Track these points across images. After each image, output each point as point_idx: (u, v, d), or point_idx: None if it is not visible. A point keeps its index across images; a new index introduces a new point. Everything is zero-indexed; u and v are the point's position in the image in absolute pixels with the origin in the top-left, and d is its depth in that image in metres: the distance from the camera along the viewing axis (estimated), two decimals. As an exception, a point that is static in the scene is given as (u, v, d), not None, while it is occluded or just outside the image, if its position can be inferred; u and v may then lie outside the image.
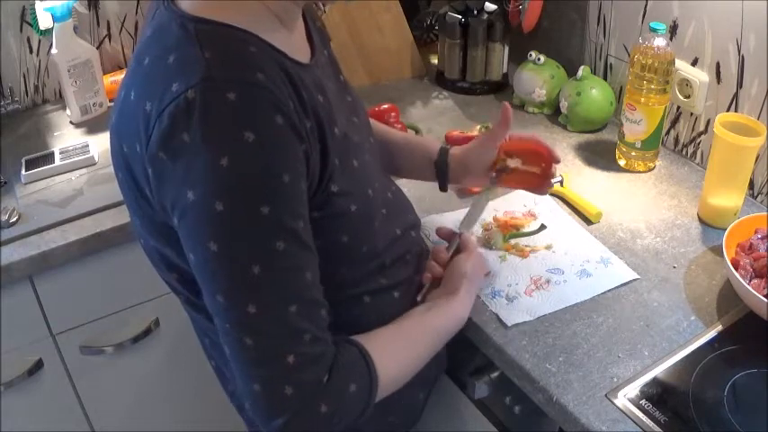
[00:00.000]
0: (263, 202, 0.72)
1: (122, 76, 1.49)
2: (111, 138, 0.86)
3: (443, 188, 1.17)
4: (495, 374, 1.10)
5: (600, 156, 1.45)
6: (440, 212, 1.29)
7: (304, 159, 0.76)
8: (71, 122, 1.62)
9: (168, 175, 0.74)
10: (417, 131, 1.51)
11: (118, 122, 0.83)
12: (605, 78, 1.57)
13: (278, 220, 0.74)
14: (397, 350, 0.91)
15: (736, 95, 1.31)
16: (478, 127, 1.47)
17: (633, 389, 0.97)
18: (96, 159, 1.48)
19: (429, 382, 1.12)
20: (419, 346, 0.94)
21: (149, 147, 0.74)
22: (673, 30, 1.38)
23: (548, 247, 1.21)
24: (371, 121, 1.17)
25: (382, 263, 0.96)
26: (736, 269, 1.06)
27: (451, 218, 1.28)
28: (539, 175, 1.12)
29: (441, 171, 1.15)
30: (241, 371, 0.76)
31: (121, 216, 1.34)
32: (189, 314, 0.98)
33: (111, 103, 1.65)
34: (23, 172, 1.43)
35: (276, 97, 0.74)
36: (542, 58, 1.56)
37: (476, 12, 1.65)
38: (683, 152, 1.45)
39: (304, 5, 0.88)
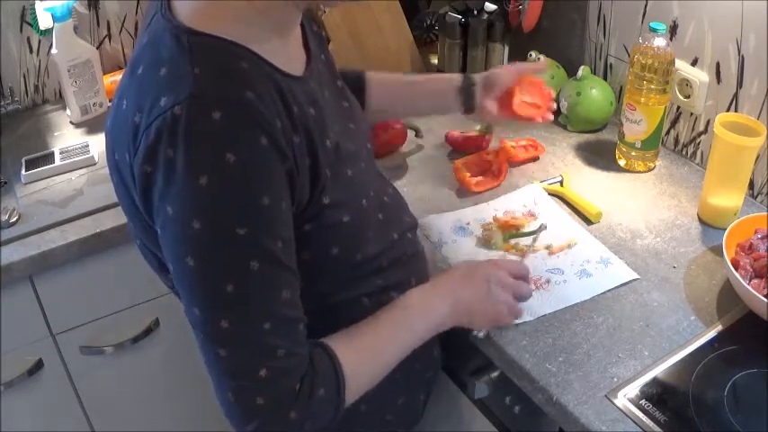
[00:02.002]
0: (240, 224, 0.74)
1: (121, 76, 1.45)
2: (105, 140, 0.86)
3: (470, 108, 1.23)
4: (495, 374, 1.10)
5: (600, 156, 1.45)
6: (439, 212, 1.29)
7: (287, 180, 0.77)
8: (71, 122, 1.63)
9: (151, 187, 0.75)
10: (417, 131, 1.51)
11: (111, 128, 0.84)
12: (605, 78, 1.57)
13: (253, 241, 0.75)
14: (367, 352, 0.90)
15: (736, 95, 1.31)
16: (478, 127, 1.47)
17: (633, 389, 0.97)
18: (96, 159, 1.48)
19: (427, 383, 1.12)
20: (390, 348, 0.93)
21: (136, 158, 0.75)
22: (673, 30, 1.38)
23: (548, 247, 1.21)
24: (385, 75, 1.21)
25: (378, 266, 0.96)
26: (736, 269, 1.06)
27: (452, 218, 1.28)
28: (539, 107, 1.28)
29: (468, 92, 1.21)
30: (215, 379, 0.79)
31: (121, 216, 1.33)
32: None
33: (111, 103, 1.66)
34: (23, 172, 1.43)
35: (263, 117, 0.74)
36: (542, 58, 1.56)
37: (476, 12, 1.65)
38: (683, 152, 1.45)
39: (305, 8, 0.88)
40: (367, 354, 0.90)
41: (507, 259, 1.13)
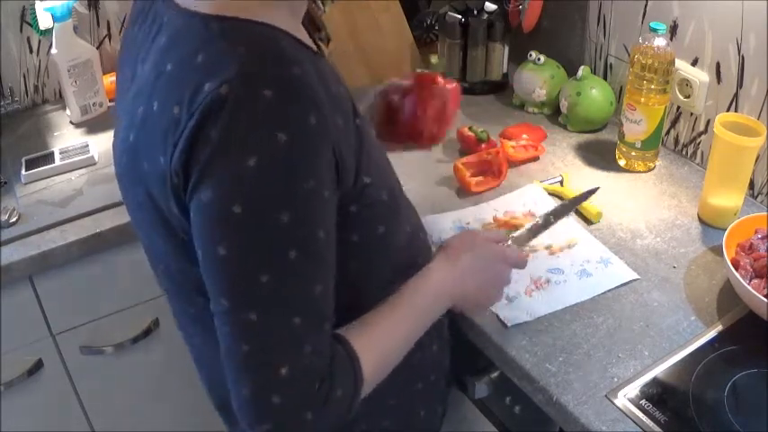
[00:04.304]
0: (285, 208, 0.70)
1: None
2: (123, 157, 0.82)
3: None
4: (495, 374, 1.10)
5: (600, 156, 1.45)
6: (439, 212, 1.29)
7: (333, 162, 0.74)
8: (71, 122, 1.63)
9: (188, 175, 0.71)
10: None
11: (137, 139, 0.78)
12: (605, 78, 1.57)
13: (296, 229, 0.71)
14: (385, 344, 0.87)
15: (736, 95, 1.31)
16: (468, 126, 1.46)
17: (633, 389, 0.97)
18: (96, 159, 1.48)
19: (443, 395, 1.11)
20: (405, 336, 0.90)
21: (175, 152, 0.71)
22: (673, 30, 1.38)
23: (548, 248, 1.20)
24: None
25: (405, 263, 0.94)
26: (737, 269, 1.06)
27: (452, 218, 1.28)
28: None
29: None
30: (233, 373, 0.74)
31: (121, 216, 1.34)
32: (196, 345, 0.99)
33: (111, 104, 1.66)
34: (23, 172, 1.43)
35: (314, 93, 0.71)
36: (542, 58, 1.56)
37: (476, 12, 1.65)
38: (683, 152, 1.45)
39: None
40: (382, 346, 0.85)
41: (509, 249, 1.05)
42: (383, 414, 0.98)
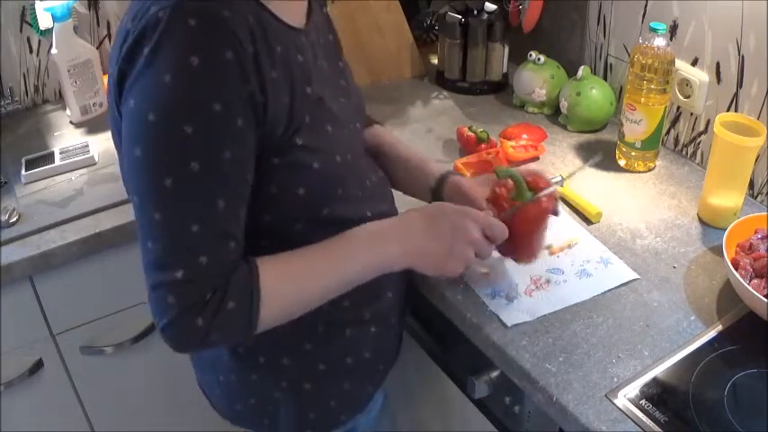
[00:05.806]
0: (189, 122, 0.78)
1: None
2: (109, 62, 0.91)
3: None
4: (495, 374, 1.10)
5: (600, 156, 1.45)
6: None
7: (248, 101, 0.81)
8: (71, 122, 1.63)
9: (124, 83, 0.82)
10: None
11: (112, 50, 0.88)
12: (605, 78, 1.57)
13: (198, 143, 0.79)
14: (298, 274, 0.90)
15: (736, 95, 1.31)
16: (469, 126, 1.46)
17: (633, 389, 0.97)
18: (96, 159, 1.48)
19: (377, 375, 1.13)
20: (325, 274, 0.92)
21: (120, 59, 0.82)
22: (673, 30, 1.38)
23: (548, 247, 1.20)
24: (386, 133, 1.20)
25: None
26: (736, 269, 1.06)
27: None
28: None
29: (437, 197, 1.12)
30: (144, 270, 0.83)
31: (121, 216, 1.34)
32: None
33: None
34: (23, 172, 1.43)
35: (234, 35, 0.79)
36: (542, 58, 1.56)
37: (476, 12, 1.66)
38: (683, 152, 1.45)
39: None
40: (296, 276, 0.90)
41: (485, 213, 0.99)
42: (308, 376, 1.03)
